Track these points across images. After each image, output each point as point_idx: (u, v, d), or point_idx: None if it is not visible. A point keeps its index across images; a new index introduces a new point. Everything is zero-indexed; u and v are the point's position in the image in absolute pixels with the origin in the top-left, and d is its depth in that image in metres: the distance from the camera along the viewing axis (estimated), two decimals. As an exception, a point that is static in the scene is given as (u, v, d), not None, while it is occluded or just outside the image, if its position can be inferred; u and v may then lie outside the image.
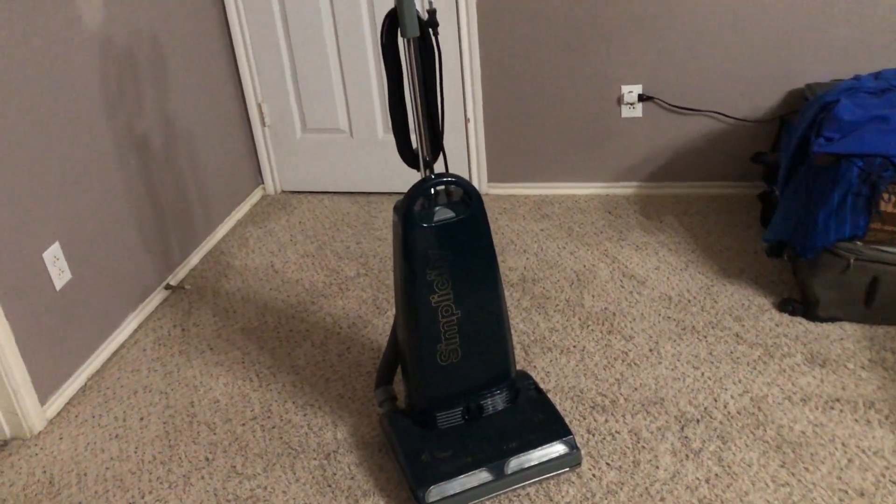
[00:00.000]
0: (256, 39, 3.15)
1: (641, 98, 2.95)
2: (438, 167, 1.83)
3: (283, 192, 3.49)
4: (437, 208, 1.72)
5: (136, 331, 2.59)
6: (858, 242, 2.15)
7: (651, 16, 2.81)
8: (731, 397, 2.06)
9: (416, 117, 1.73)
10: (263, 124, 3.32)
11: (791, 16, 2.71)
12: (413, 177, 3.23)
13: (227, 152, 3.18)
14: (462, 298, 1.78)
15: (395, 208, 1.76)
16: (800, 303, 2.34)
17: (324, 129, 3.29)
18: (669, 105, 2.95)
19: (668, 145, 3.03)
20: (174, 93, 2.80)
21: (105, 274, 2.47)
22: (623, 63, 2.91)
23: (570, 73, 2.97)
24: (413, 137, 1.79)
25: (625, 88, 2.96)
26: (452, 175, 1.72)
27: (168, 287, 2.77)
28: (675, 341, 2.29)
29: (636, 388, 2.12)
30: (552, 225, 2.98)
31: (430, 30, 1.66)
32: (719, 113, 2.93)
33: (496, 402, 1.91)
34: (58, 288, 2.26)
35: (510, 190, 3.25)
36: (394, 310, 2.56)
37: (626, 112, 3.00)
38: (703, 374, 2.15)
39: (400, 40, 1.67)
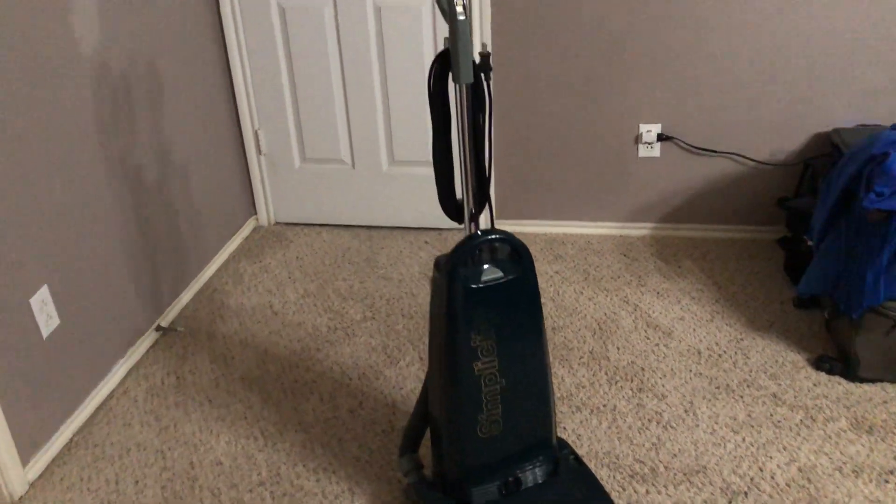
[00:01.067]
0: (256, 63, 2.98)
1: (660, 137, 2.85)
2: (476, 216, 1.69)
3: (278, 223, 3.30)
4: (484, 267, 1.57)
5: (125, 379, 2.39)
6: (905, 302, 2.05)
7: (673, 54, 2.71)
8: (778, 466, 1.93)
9: (464, 168, 1.58)
10: (259, 152, 3.14)
11: (818, 58, 2.63)
12: (418, 211, 3.11)
13: (220, 182, 2.99)
14: (507, 365, 1.63)
15: (438, 265, 1.60)
16: (837, 361, 2.23)
17: (324, 160, 3.12)
18: (689, 146, 2.85)
19: (685, 186, 2.92)
20: (169, 120, 2.62)
21: (94, 317, 2.27)
22: (642, 101, 2.81)
23: (586, 109, 2.86)
24: (458, 188, 1.64)
25: (643, 127, 2.84)
26: (501, 231, 1.58)
27: (159, 329, 2.57)
28: (710, 401, 2.16)
29: (675, 455, 1.99)
30: (567, 267, 2.85)
31: (483, 74, 1.52)
32: (740, 155, 2.83)
33: (536, 474, 1.76)
34: (45, 335, 2.06)
35: (520, 227, 3.11)
36: (406, 359, 2.41)
37: (643, 151, 2.88)
38: (744, 439, 2.02)
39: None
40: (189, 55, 2.72)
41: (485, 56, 1.51)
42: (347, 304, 2.71)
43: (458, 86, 1.49)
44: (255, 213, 3.27)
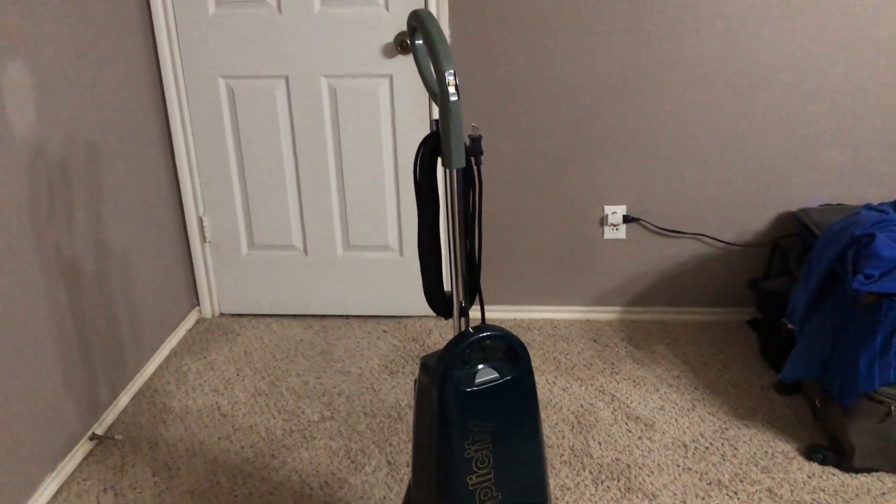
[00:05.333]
0: (201, 146, 2.81)
1: (626, 219, 2.78)
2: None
3: (223, 315, 3.08)
4: (479, 368, 1.42)
5: (54, 497, 2.11)
6: (899, 387, 1.97)
7: (638, 136, 2.67)
8: (786, 572, 1.79)
9: (454, 257, 1.44)
10: (204, 240, 2.94)
11: (781, 139, 2.62)
12: (375, 298, 2.94)
13: (161, 272, 2.77)
14: (504, 477, 1.46)
15: (425, 367, 1.44)
16: (830, 450, 2.13)
17: (274, 246, 2.94)
18: (655, 227, 2.78)
19: (652, 269, 2.84)
20: (107, 206, 2.42)
21: (20, 426, 2.01)
22: (607, 183, 2.74)
23: (550, 192, 2.77)
24: (445, 280, 1.50)
25: (608, 209, 2.77)
26: (495, 327, 1.43)
27: (94, 437, 2.31)
28: (703, 499, 2.02)
29: (676, 563, 1.83)
30: (536, 355, 2.71)
31: (473, 158, 1.40)
32: (707, 236, 2.78)
33: None
34: (-38, 455, 1.80)
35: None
36: (372, 464, 2.20)
37: (608, 234, 2.81)
38: (745, 541, 1.88)
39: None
40: (131, 137, 2.54)
41: (475, 138, 1.39)
42: (303, 403, 2.49)
43: (449, 171, 1.37)
44: (198, 305, 3.05)
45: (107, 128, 2.40)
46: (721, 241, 2.78)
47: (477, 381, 1.41)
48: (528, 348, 2.74)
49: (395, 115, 2.71)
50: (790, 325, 2.32)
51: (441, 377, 1.39)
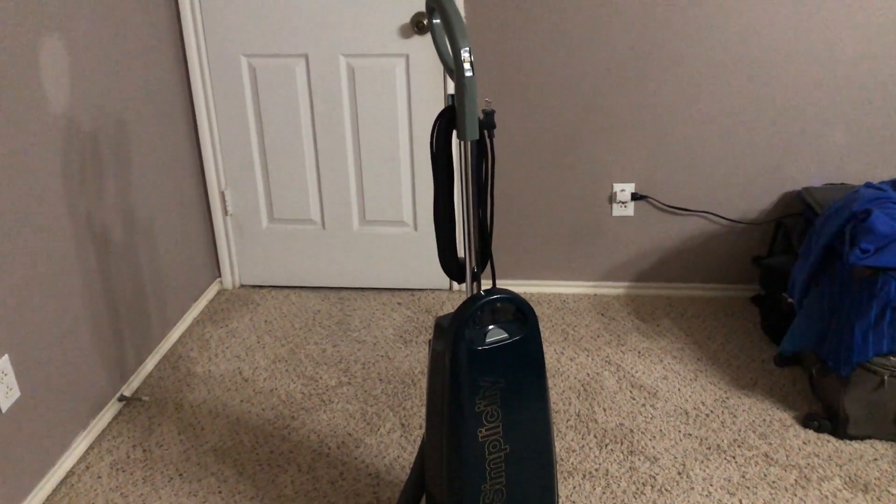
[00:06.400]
0: (224, 122, 2.91)
1: (634, 197, 2.86)
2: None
3: (243, 286, 3.19)
4: (489, 328, 1.51)
5: (87, 452, 2.23)
6: (892, 358, 2.06)
7: (647, 115, 2.74)
8: (779, 529, 1.89)
9: (467, 225, 1.53)
10: (226, 213, 3.05)
11: (786, 120, 2.69)
12: (390, 271, 3.05)
13: (184, 243, 2.88)
14: (511, 431, 1.56)
15: (440, 326, 1.54)
16: (825, 419, 2.22)
17: (293, 220, 3.05)
18: (662, 204, 2.87)
19: (659, 245, 2.93)
20: (135, 179, 2.52)
21: (55, 388, 2.12)
22: (616, 161, 2.82)
23: (560, 169, 2.86)
24: (459, 247, 1.60)
25: (617, 186, 2.86)
26: (505, 290, 1.53)
27: (122, 399, 2.43)
28: (702, 462, 2.12)
29: (674, 520, 1.93)
30: (545, 327, 2.80)
31: (486, 131, 1.49)
32: (713, 214, 2.86)
33: (539, 546, 1.68)
34: (4, 409, 1.91)
35: (493, 288, 3.06)
36: (387, 426, 2.31)
37: (617, 210, 2.89)
38: (740, 501, 1.98)
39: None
40: (157, 112, 2.64)
41: (488, 112, 1.48)
42: (321, 369, 2.61)
43: (463, 143, 1.46)
44: (220, 276, 3.16)
45: (134, 103, 2.50)
46: (726, 219, 2.86)
47: (488, 340, 1.51)
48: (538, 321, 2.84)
49: (411, 94, 2.80)
50: (790, 300, 2.41)
51: (454, 336, 1.48)
